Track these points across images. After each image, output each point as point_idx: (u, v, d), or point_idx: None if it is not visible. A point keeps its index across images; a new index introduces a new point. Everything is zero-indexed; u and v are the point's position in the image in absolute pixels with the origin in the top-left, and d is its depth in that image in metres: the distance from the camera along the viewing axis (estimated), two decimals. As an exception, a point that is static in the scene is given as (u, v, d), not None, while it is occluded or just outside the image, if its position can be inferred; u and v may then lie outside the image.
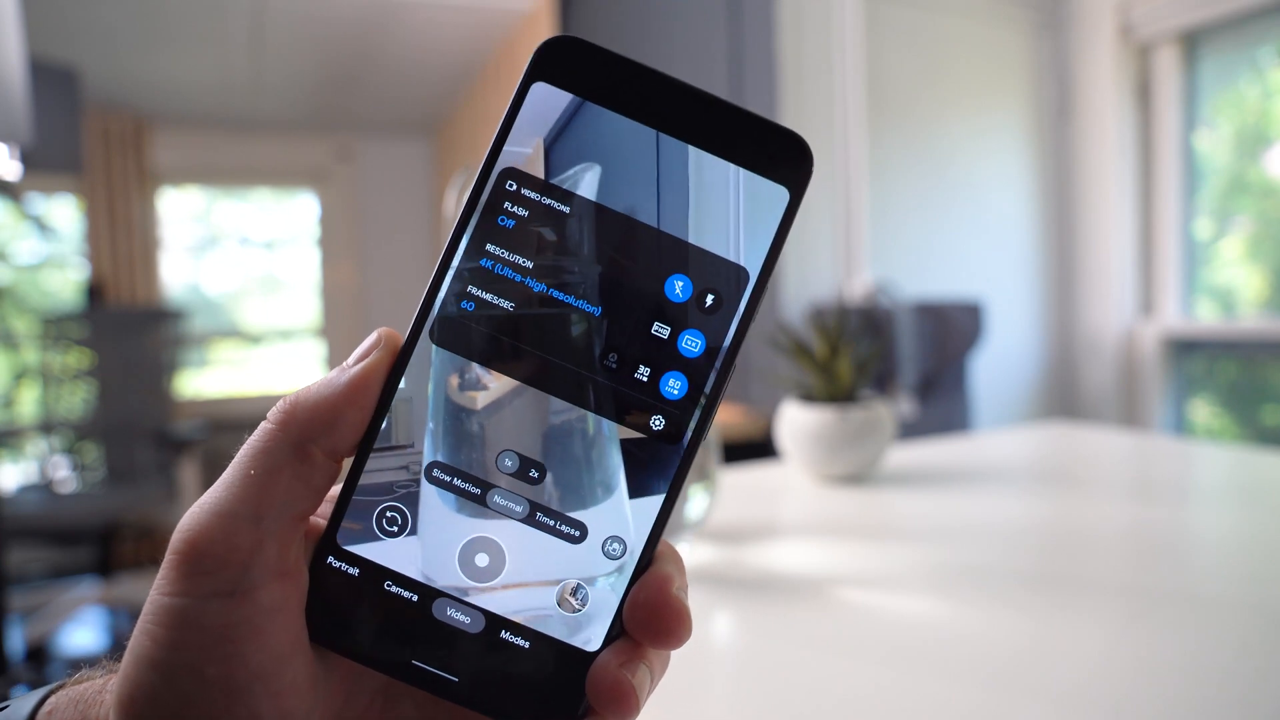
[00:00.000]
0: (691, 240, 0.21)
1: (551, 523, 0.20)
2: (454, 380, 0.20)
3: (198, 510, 0.19)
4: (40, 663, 2.45)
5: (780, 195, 0.22)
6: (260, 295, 4.17)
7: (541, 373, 0.20)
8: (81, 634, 2.73)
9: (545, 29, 2.52)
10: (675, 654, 0.24)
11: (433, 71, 3.27)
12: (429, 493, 0.20)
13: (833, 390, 0.68)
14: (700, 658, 0.37)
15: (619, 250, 0.20)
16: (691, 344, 0.21)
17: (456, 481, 0.20)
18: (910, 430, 1.69)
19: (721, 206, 0.21)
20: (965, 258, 1.95)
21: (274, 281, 4.20)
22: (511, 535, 0.20)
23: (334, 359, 4.10)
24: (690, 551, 0.52)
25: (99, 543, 2.69)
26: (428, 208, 4.25)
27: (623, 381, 0.20)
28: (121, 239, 3.53)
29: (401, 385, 0.20)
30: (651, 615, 0.20)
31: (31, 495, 2.76)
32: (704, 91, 0.21)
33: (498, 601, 0.20)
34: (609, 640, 0.20)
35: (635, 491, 0.20)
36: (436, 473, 0.20)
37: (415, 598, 0.20)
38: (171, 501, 3.01)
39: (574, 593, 0.20)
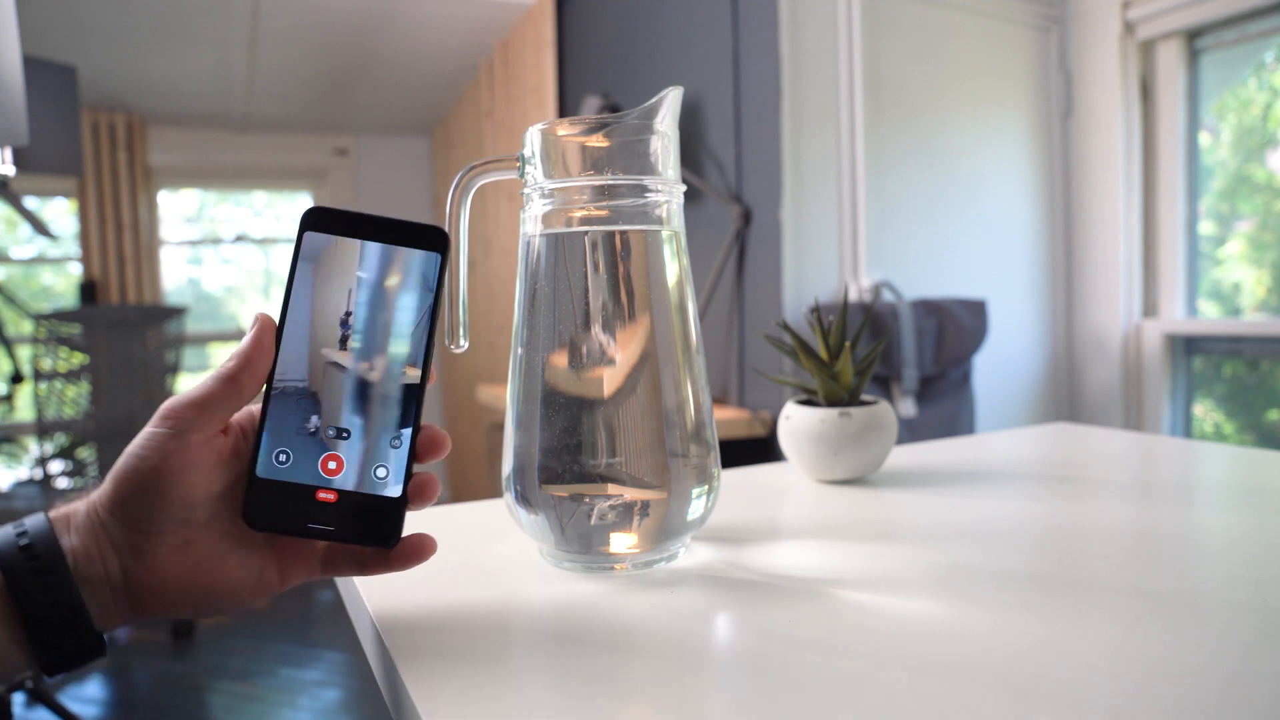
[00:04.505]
0: (403, 289, 0.38)
1: (361, 436, 0.38)
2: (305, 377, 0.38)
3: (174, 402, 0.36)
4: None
5: (436, 258, 0.39)
6: (257, 295, 4.15)
7: (348, 370, 0.38)
8: (78, 635, 2.71)
9: (546, 23, 2.51)
10: (675, 654, 0.37)
11: (431, 68, 3.26)
12: (299, 440, 0.37)
13: (835, 391, 0.67)
14: (700, 658, 0.36)
15: (376, 291, 0.38)
16: (415, 323, 0.39)
17: (312, 429, 0.37)
18: (914, 431, 1.68)
19: (413, 269, 0.39)
20: (967, 256, 1.95)
21: (271, 281, 4.19)
22: (342, 450, 0.38)
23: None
24: (688, 553, 0.51)
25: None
26: (426, 206, 4.24)
27: (384, 362, 0.38)
28: (117, 239, 3.52)
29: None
30: (427, 446, 0.39)
31: (27, 496, 2.75)
32: (389, 217, 0.39)
33: (343, 484, 0.37)
34: (405, 485, 0.38)
35: (401, 411, 0.38)
36: (303, 424, 0.38)
37: (303, 492, 0.37)
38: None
39: (379, 470, 0.38)
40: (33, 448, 3.14)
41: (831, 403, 0.67)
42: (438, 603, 0.44)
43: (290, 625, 2.74)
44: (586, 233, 0.47)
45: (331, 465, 0.37)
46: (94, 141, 3.45)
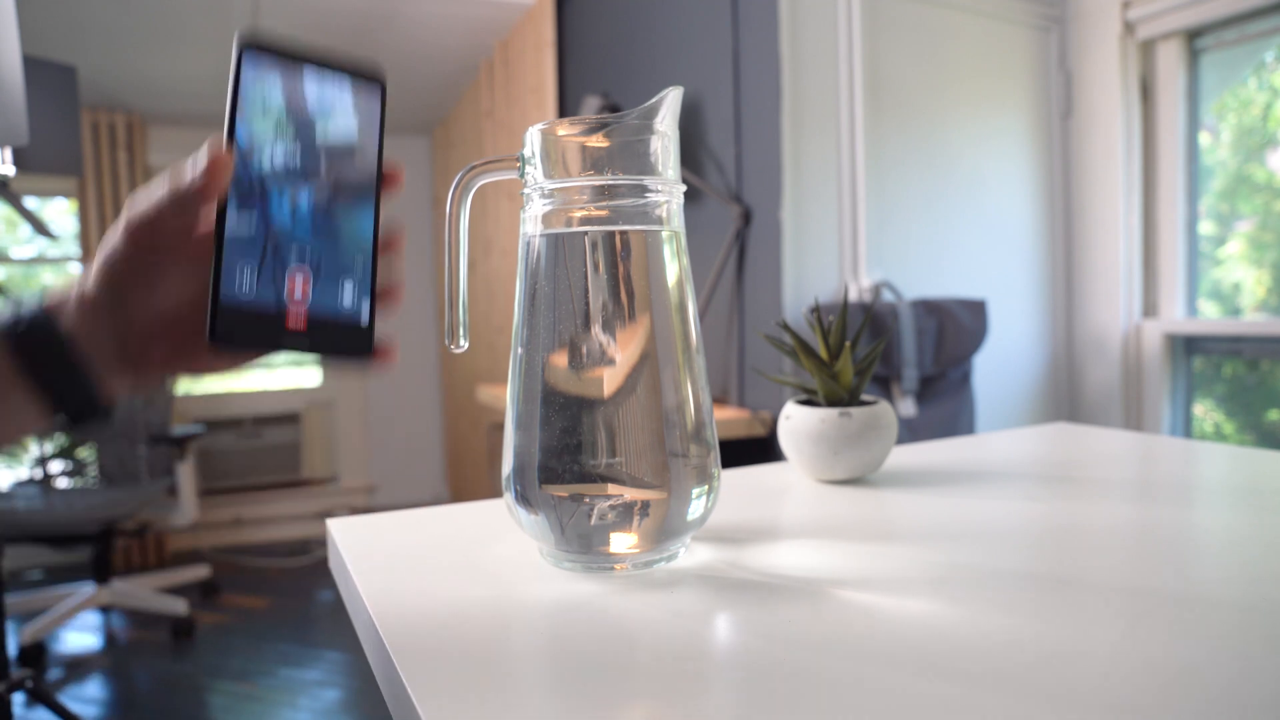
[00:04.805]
0: (352, 119, 0.39)
1: (324, 258, 0.38)
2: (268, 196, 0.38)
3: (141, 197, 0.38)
4: (39, 666, 2.44)
5: (377, 88, 0.40)
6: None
7: (306, 192, 0.38)
8: (78, 637, 2.72)
9: (546, 23, 2.51)
10: (675, 654, 0.37)
11: (431, 68, 3.26)
12: (262, 261, 0.37)
13: (835, 391, 0.67)
14: (700, 659, 0.36)
15: (318, 115, 0.39)
16: (362, 151, 0.40)
17: (274, 250, 0.37)
18: (914, 431, 1.68)
19: (357, 100, 0.40)
20: (967, 256, 1.95)
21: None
22: (307, 270, 0.37)
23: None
24: (688, 553, 0.50)
25: (95, 544, 2.67)
26: (426, 205, 4.24)
27: (340, 186, 0.39)
28: (119, 238, 3.51)
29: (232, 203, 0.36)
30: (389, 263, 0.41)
31: (27, 495, 2.75)
32: (326, 50, 0.39)
33: (311, 305, 0.37)
34: (372, 301, 0.39)
35: (360, 231, 0.39)
36: (265, 246, 0.37)
37: (273, 314, 0.36)
38: (169, 501, 3.00)
39: (346, 288, 0.38)
40: (33, 448, 3.14)
41: (831, 403, 0.67)
42: (438, 603, 0.44)
43: (290, 625, 2.74)
44: (586, 233, 0.47)
45: (298, 286, 0.37)
46: (94, 141, 3.45)
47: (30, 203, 3.51)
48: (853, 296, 1.74)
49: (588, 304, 0.46)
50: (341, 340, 0.38)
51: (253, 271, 0.36)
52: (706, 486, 0.48)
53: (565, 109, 2.63)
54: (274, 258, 0.37)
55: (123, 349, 0.39)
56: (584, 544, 0.47)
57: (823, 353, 0.68)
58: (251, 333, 0.36)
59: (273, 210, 0.37)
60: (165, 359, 0.40)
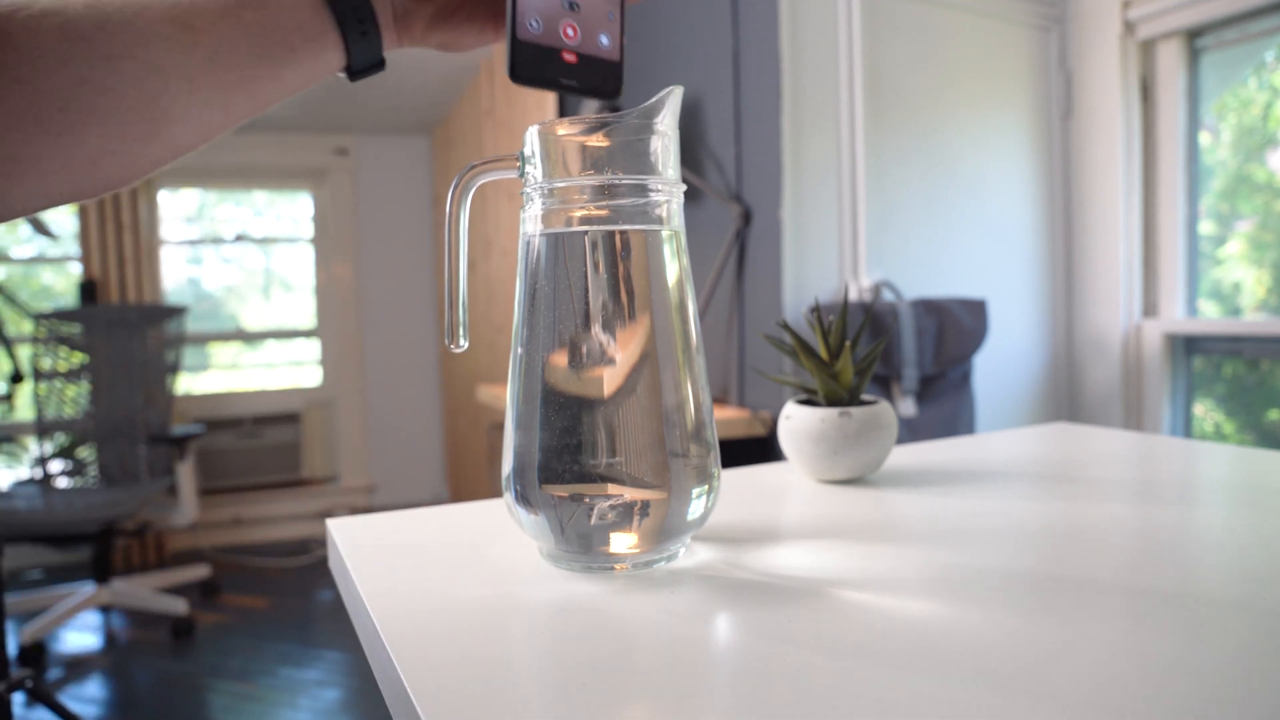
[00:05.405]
0: None
1: (587, 11, 0.46)
2: None
3: None
4: (39, 666, 2.44)
5: None
6: (257, 295, 4.15)
7: None
8: (78, 636, 2.72)
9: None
10: (675, 654, 0.36)
11: (431, 68, 3.26)
12: (543, 11, 0.45)
13: (835, 391, 0.67)
14: (700, 658, 0.36)
15: None
16: None
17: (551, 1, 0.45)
18: (914, 431, 1.68)
19: None
20: (967, 256, 1.95)
21: (271, 281, 4.18)
22: (575, 20, 0.46)
23: (329, 358, 4.09)
24: (688, 553, 0.51)
25: (95, 543, 2.67)
26: (426, 206, 4.24)
27: None
28: (117, 238, 3.52)
29: None
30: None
31: (27, 495, 2.75)
32: None
33: (580, 47, 0.46)
34: (621, 50, 0.47)
35: None
36: None
37: (552, 52, 0.45)
38: (169, 501, 2.99)
39: (603, 38, 0.47)
40: (33, 447, 3.14)
41: (831, 402, 0.67)
42: (438, 603, 0.44)
43: (290, 625, 2.74)
44: (586, 232, 0.47)
45: (569, 32, 0.46)
46: (94, 141, 3.45)
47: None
48: (853, 296, 1.74)
49: (588, 304, 0.46)
50: (598, 76, 0.47)
51: (538, 18, 0.45)
52: (706, 486, 0.48)
53: (565, 108, 2.63)
54: (553, 6, 0.45)
55: (396, 14, 0.46)
56: (584, 544, 0.47)
57: (823, 353, 0.68)
58: (537, 67, 0.45)
59: None
60: (424, 31, 0.48)
